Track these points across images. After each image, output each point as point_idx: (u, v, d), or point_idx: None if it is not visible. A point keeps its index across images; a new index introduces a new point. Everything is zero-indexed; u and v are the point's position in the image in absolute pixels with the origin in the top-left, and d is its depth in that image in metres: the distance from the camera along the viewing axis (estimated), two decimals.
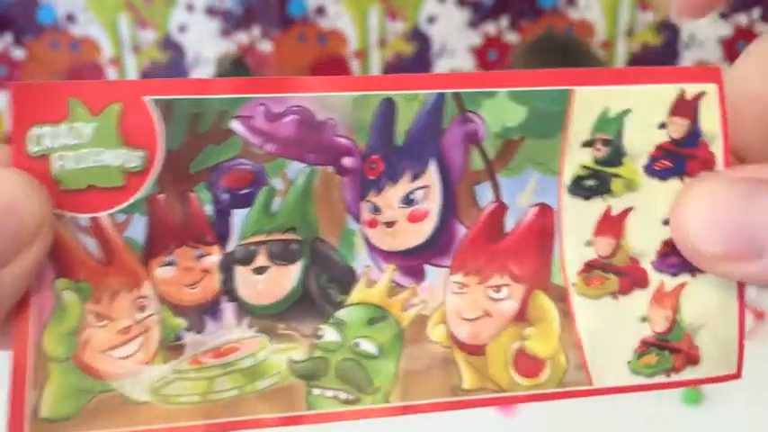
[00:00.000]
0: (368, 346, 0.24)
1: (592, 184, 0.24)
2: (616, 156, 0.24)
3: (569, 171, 0.24)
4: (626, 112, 0.24)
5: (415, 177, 0.23)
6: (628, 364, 0.25)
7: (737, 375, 0.26)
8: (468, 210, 0.24)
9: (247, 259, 0.23)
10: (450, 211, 0.24)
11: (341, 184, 0.23)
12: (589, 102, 0.24)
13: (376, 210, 0.23)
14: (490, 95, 0.23)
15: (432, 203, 0.24)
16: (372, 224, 0.23)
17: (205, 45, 1.79)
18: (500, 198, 0.24)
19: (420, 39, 1.82)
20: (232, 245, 0.23)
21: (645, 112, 0.24)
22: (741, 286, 0.25)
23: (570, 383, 0.25)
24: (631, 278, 0.25)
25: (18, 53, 1.74)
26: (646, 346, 0.25)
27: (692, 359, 0.25)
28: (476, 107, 0.23)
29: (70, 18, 1.73)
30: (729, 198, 0.22)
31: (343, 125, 0.23)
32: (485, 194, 0.24)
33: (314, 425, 0.23)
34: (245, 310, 0.23)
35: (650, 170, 0.24)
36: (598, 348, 0.25)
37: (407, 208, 0.24)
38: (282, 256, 0.23)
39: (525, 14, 1.84)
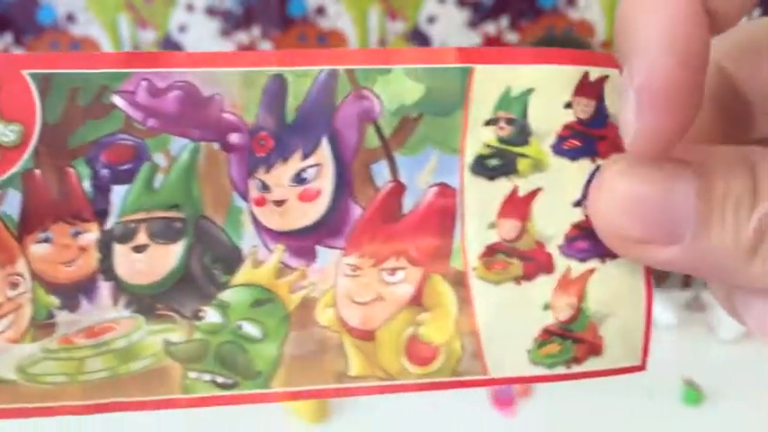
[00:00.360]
0: (251, 329, 0.23)
1: (496, 164, 0.23)
2: (521, 134, 0.23)
3: (471, 150, 0.23)
4: (530, 90, 0.23)
5: (307, 155, 0.23)
6: (527, 353, 0.24)
7: (642, 367, 0.25)
8: (364, 189, 0.23)
9: (127, 237, 0.22)
10: (344, 190, 0.23)
11: (227, 161, 0.22)
12: (490, 79, 0.23)
13: (264, 188, 0.23)
14: (385, 72, 0.23)
15: (324, 182, 0.23)
16: (261, 202, 0.23)
17: (205, 45, 1.79)
18: (397, 177, 0.23)
19: (420, 39, 1.81)
20: (111, 222, 0.22)
21: (549, 91, 0.23)
22: (649, 274, 0.24)
23: (464, 372, 0.24)
24: (536, 263, 0.24)
25: (18, 53, 1.75)
26: (548, 335, 0.24)
27: (596, 349, 0.24)
28: (370, 84, 0.23)
29: (70, 18, 1.74)
30: (649, 180, 0.21)
31: (230, 101, 0.22)
32: (381, 173, 0.23)
33: (191, 409, 0.22)
34: (122, 289, 0.22)
35: (559, 149, 0.23)
36: (496, 336, 0.24)
37: (298, 186, 0.23)
38: (164, 234, 0.22)
39: (525, 14, 1.82)
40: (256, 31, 1.80)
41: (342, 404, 1.01)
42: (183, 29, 1.79)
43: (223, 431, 0.97)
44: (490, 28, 1.83)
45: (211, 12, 1.79)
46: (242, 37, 1.81)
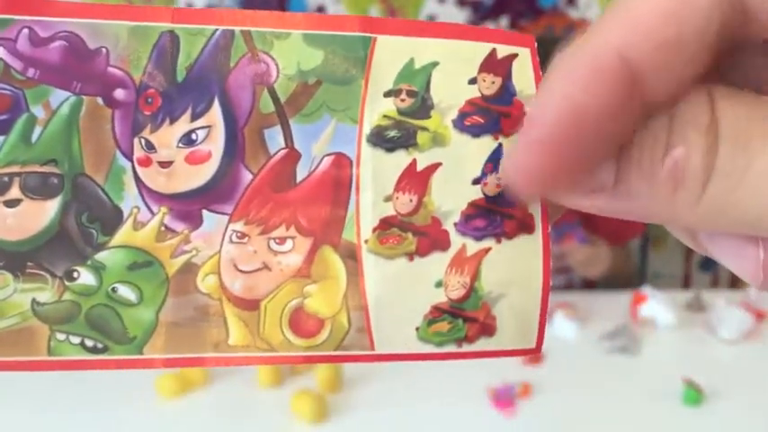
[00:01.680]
0: (126, 293, 0.22)
1: (394, 135, 0.23)
2: (422, 108, 0.23)
3: (370, 120, 0.22)
4: (434, 64, 0.23)
5: (197, 116, 0.22)
6: (416, 330, 0.23)
7: (536, 351, 0.24)
8: (256, 154, 0.22)
9: None
10: (234, 154, 0.22)
11: (111, 118, 0.21)
12: (392, 50, 0.22)
13: (150, 147, 0.22)
14: (283, 36, 0.22)
15: (214, 145, 0.22)
16: (145, 163, 0.22)
17: None
18: (292, 144, 0.22)
19: None
20: None
21: (454, 65, 0.23)
22: (547, 257, 0.23)
23: (350, 347, 0.23)
24: (430, 239, 0.23)
25: None
26: (438, 313, 0.23)
27: (488, 330, 0.23)
28: (267, 47, 0.22)
29: None
30: None
31: (117, 55, 0.21)
32: (275, 139, 0.22)
33: (55, 372, 0.21)
34: None
35: (460, 125, 0.23)
36: (385, 312, 0.23)
37: (186, 148, 0.22)
38: (38, 189, 0.21)
39: (525, 14, 1.82)
40: None
41: (342, 405, 1.01)
42: None
43: (221, 431, 0.97)
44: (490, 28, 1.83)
45: None
46: None
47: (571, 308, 1.26)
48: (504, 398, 1.03)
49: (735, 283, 2.11)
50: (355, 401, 1.02)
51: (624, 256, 1.58)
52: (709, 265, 2.18)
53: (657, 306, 1.25)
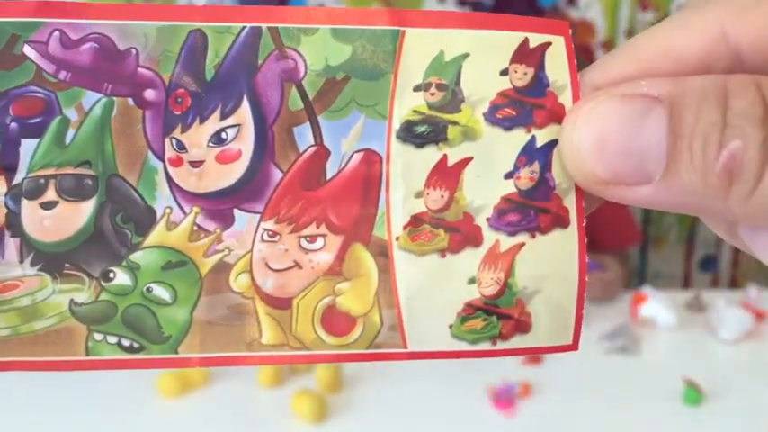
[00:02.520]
0: (161, 292, 0.22)
1: (424, 131, 0.22)
2: (453, 101, 0.22)
3: (399, 115, 0.22)
4: (464, 56, 0.22)
5: (226, 115, 0.22)
6: (449, 327, 0.23)
7: (573, 347, 0.24)
8: (286, 152, 0.22)
9: (35, 193, 0.21)
10: (264, 153, 0.22)
11: (142, 118, 0.22)
12: (421, 43, 0.22)
13: (181, 147, 0.22)
14: (311, 32, 0.22)
15: (244, 144, 0.22)
16: (177, 163, 0.22)
17: None
18: (321, 141, 0.22)
19: None
20: (20, 177, 0.21)
21: (484, 57, 0.22)
22: (583, 251, 0.23)
23: (383, 345, 0.23)
24: (463, 235, 0.23)
25: None
26: (472, 310, 0.23)
27: (523, 327, 0.23)
28: (294, 43, 0.22)
29: None
30: (619, 118, 0.19)
31: (146, 56, 0.21)
32: (304, 137, 0.22)
33: (93, 371, 0.21)
34: (29, 246, 0.21)
35: (491, 118, 0.23)
36: (417, 309, 0.23)
37: (217, 147, 0.22)
38: (74, 191, 0.21)
39: (525, 14, 1.82)
40: None
41: (342, 405, 1.00)
42: None
43: (221, 431, 0.97)
44: None
45: None
46: None
47: None
48: (504, 398, 1.03)
49: (735, 282, 2.11)
50: (355, 401, 1.02)
51: (622, 262, 1.58)
52: (709, 265, 2.18)
53: (657, 306, 1.25)
